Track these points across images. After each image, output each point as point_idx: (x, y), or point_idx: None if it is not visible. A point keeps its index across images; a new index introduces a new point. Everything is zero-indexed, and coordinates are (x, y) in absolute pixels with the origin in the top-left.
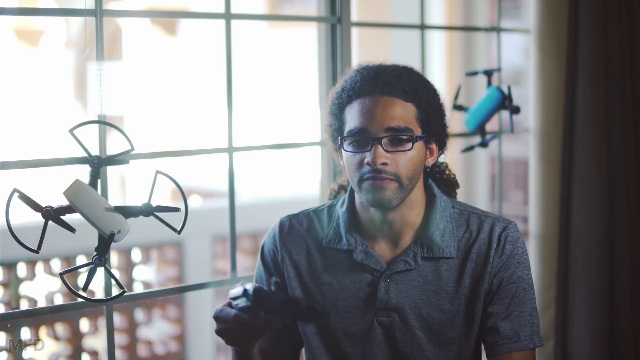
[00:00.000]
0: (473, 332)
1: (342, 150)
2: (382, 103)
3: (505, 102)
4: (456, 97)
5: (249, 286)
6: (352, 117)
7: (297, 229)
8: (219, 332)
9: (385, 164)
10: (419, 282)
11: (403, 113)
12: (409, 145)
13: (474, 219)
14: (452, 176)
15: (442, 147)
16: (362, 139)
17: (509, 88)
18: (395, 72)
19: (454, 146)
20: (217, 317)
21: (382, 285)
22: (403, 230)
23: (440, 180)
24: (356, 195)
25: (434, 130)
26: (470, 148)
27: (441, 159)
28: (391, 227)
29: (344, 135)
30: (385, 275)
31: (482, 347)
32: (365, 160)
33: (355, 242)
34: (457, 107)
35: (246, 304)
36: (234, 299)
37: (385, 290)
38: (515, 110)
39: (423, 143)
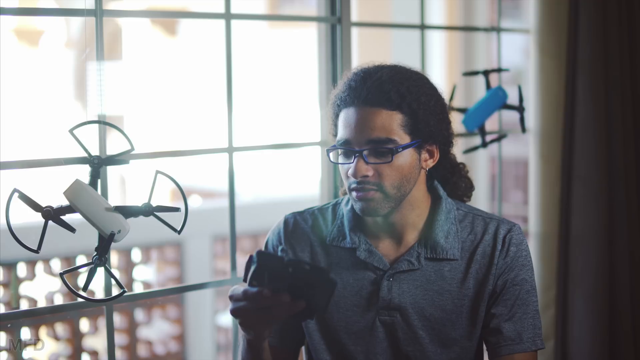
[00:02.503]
0: (476, 333)
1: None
2: (364, 114)
3: (507, 102)
4: (451, 99)
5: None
6: (339, 128)
7: (301, 226)
8: (232, 311)
9: (366, 176)
10: (422, 282)
11: (385, 123)
12: (389, 157)
13: (479, 221)
14: (468, 179)
15: (445, 147)
16: (347, 151)
17: (519, 88)
18: (382, 78)
19: (454, 146)
20: (231, 296)
21: (385, 284)
22: (405, 230)
23: (454, 183)
24: None
25: (427, 133)
26: (474, 149)
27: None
28: (393, 227)
29: (333, 145)
30: (388, 274)
31: (484, 348)
32: (348, 172)
33: (359, 241)
34: (452, 109)
35: (253, 268)
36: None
37: (387, 289)
38: (522, 110)
39: (414, 149)
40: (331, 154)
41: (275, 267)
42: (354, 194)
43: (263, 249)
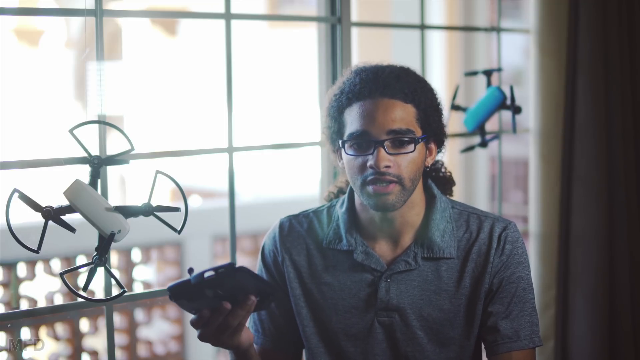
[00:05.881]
0: (473, 332)
1: (343, 153)
2: (383, 105)
3: (505, 102)
4: (454, 97)
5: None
6: (353, 120)
7: (297, 229)
8: (199, 338)
9: (388, 166)
10: (420, 282)
11: (403, 115)
12: (411, 147)
13: (474, 219)
14: (449, 174)
15: (440, 146)
16: (364, 142)
17: (511, 88)
18: (393, 73)
19: (453, 146)
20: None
21: (383, 285)
22: (403, 229)
23: (436, 179)
24: (356, 196)
25: (433, 130)
26: (470, 148)
27: (438, 157)
28: (391, 227)
29: (345, 138)
30: (385, 275)
31: (483, 346)
32: (368, 164)
33: (356, 243)
34: (455, 107)
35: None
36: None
37: (385, 290)
38: (517, 110)
39: (423, 143)
40: (346, 146)
41: (189, 291)
42: (370, 187)
43: (260, 252)
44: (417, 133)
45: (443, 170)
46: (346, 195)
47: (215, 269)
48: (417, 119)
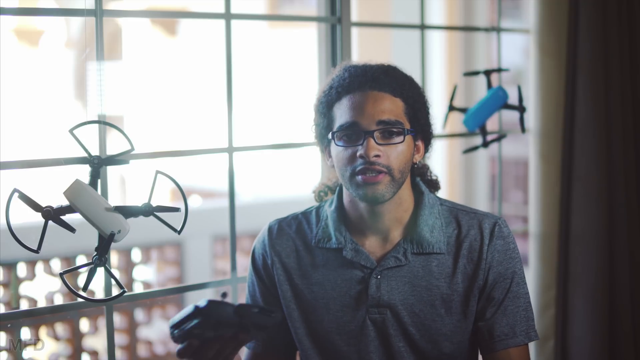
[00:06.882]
0: (467, 329)
1: (333, 146)
2: (372, 97)
3: (508, 101)
4: (452, 98)
5: (201, 302)
6: (342, 113)
7: (286, 231)
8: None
9: (377, 156)
10: (410, 278)
11: (392, 107)
12: (401, 138)
13: (463, 215)
14: (434, 178)
15: (427, 144)
16: (354, 133)
17: (519, 88)
18: (381, 69)
19: (454, 147)
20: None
21: (373, 282)
22: (392, 225)
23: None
24: (344, 193)
25: (420, 126)
26: (473, 149)
27: (426, 160)
28: (380, 223)
29: (335, 130)
30: (375, 272)
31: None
32: (358, 154)
33: (345, 240)
34: (453, 108)
35: (197, 320)
36: (182, 322)
37: (376, 287)
38: (522, 109)
39: (412, 138)
40: (335, 137)
41: (223, 314)
42: (359, 178)
43: (250, 257)
44: (406, 126)
45: (429, 174)
46: (335, 194)
47: (260, 307)
48: (405, 112)
